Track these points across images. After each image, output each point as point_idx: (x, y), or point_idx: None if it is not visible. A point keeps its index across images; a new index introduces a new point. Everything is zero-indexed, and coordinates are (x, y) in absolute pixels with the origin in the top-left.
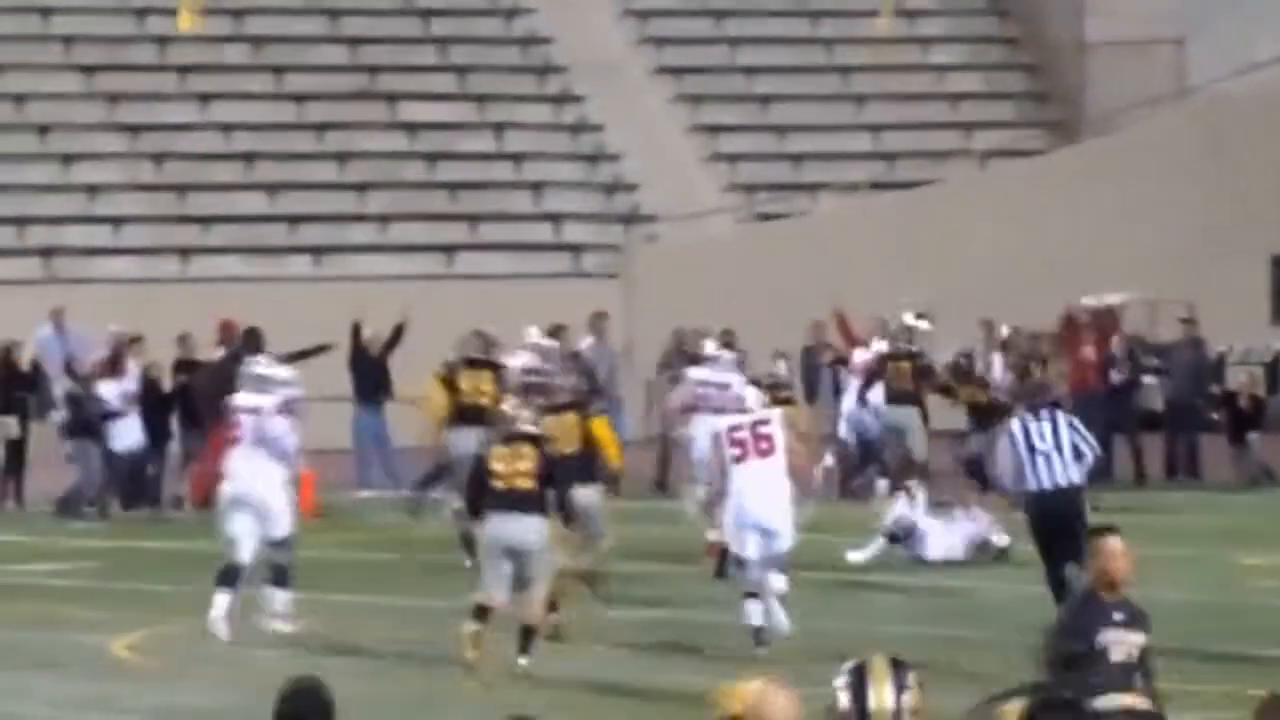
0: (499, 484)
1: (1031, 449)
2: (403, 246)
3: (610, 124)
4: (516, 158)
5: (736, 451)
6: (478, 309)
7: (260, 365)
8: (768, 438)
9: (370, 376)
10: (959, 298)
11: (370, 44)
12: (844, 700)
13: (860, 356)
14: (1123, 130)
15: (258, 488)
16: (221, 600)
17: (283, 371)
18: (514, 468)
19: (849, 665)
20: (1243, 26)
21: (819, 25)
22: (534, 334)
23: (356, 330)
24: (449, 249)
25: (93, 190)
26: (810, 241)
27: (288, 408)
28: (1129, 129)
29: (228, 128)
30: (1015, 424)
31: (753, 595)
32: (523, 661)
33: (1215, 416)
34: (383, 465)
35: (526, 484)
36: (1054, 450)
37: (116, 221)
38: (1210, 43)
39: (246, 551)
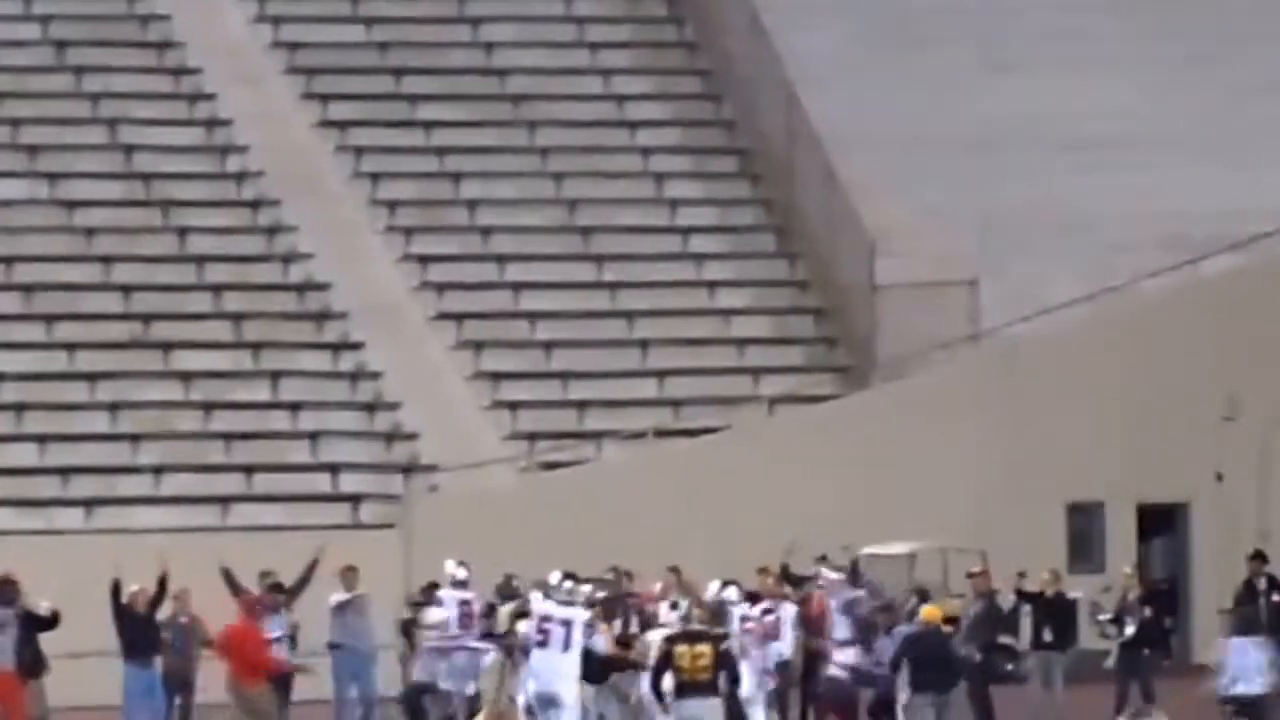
0: (684, 676)
1: None
2: (177, 498)
3: (389, 371)
4: (293, 406)
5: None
6: (254, 561)
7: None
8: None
9: (139, 633)
10: (746, 549)
11: (143, 291)
12: None
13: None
14: (915, 375)
15: (558, 685)
16: None
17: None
18: (696, 663)
19: None
20: (1035, 269)
21: (603, 270)
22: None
23: (116, 588)
24: (224, 500)
25: None
26: (594, 491)
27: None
28: (921, 373)
29: None
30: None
31: None
32: None
33: (1010, 667)
34: None
35: (705, 675)
36: None
37: None
38: (1003, 286)
39: None
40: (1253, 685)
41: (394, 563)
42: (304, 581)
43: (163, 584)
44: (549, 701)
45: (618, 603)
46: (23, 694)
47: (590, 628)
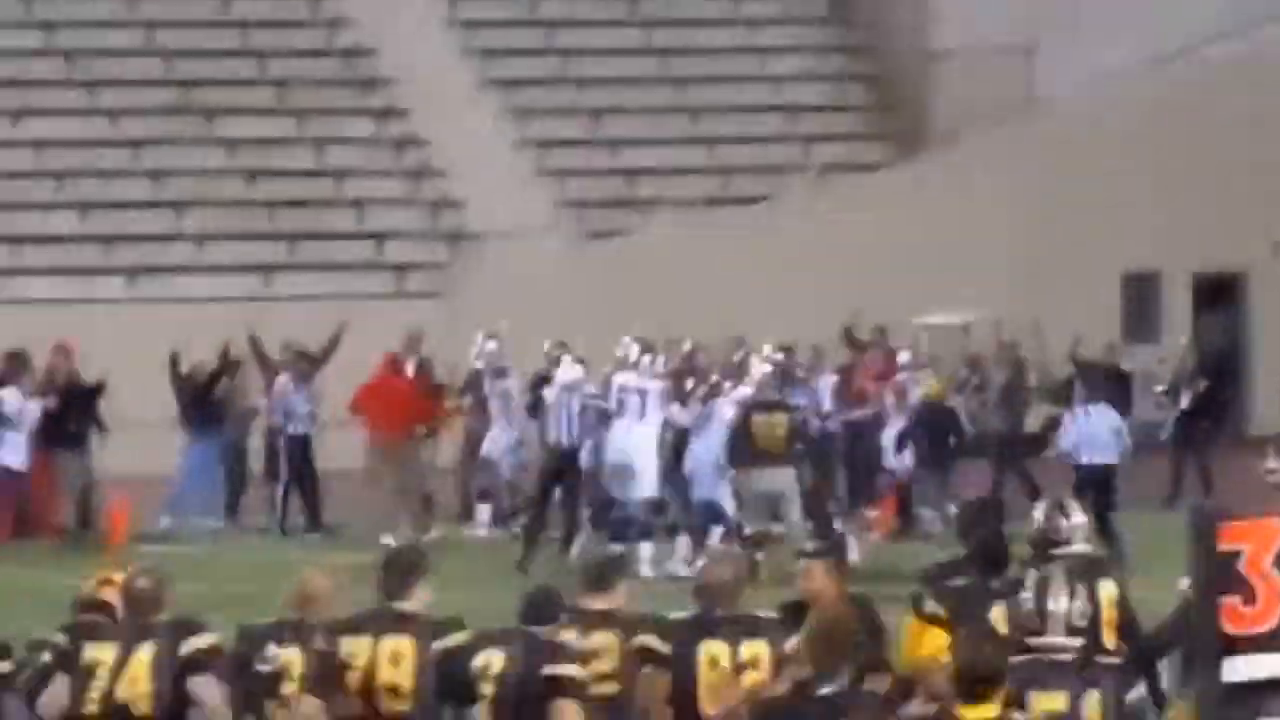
0: (760, 445)
1: None
2: (220, 267)
3: (436, 139)
4: (338, 174)
5: None
6: (298, 331)
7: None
8: None
9: (198, 406)
10: (798, 318)
11: (186, 57)
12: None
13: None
14: (968, 142)
15: (632, 456)
16: (646, 552)
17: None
18: (772, 433)
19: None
20: (1092, 36)
21: (652, 36)
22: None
23: (175, 360)
24: (268, 269)
25: None
26: (643, 261)
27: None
28: (975, 141)
29: (39, 145)
30: None
31: None
32: None
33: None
34: (206, 496)
35: (781, 445)
36: None
37: None
38: (1059, 53)
39: (633, 506)
40: (1103, 454)
41: (439, 332)
42: (329, 352)
43: (225, 356)
44: (623, 472)
45: (685, 374)
46: (50, 479)
47: (667, 398)
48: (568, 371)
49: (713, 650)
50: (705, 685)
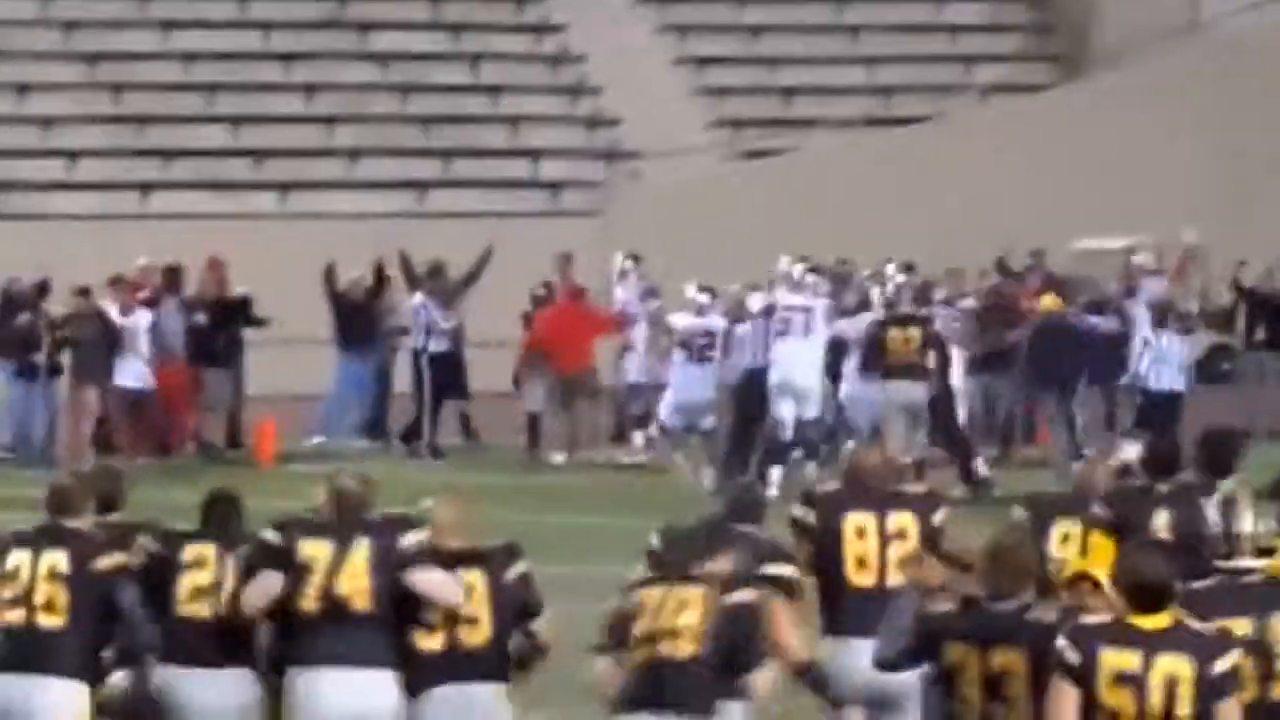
0: (894, 359)
1: None
2: (372, 183)
3: (592, 55)
4: (493, 90)
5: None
6: (450, 248)
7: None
8: None
9: (353, 323)
10: (956, 240)
11: None
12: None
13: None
14: (1132, 65)
15: (799, 374)
16: (776, 474)
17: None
18: (906, 346)
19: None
20: None
21: None
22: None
23: (331, 273)
24: (421, 185)
25: (47, 123)
26: (801, 180)
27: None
28: (1139, 64)
29: (190, 57)
30: None
31: None
32: None
33: (1226, 367)
34: (357, 415)
35: (915, 358)
36: None
37: (73, 155)
38: None
39: (790, 430)
40: (1172, 381)
41: (593, 251)
42: (474, 274)
43: (380, 273)
44: (790, 390)
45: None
46: (189, 388)
47: (832, 315)
48: (753, 299)
49: (859, 520)
50: (852, 555)
